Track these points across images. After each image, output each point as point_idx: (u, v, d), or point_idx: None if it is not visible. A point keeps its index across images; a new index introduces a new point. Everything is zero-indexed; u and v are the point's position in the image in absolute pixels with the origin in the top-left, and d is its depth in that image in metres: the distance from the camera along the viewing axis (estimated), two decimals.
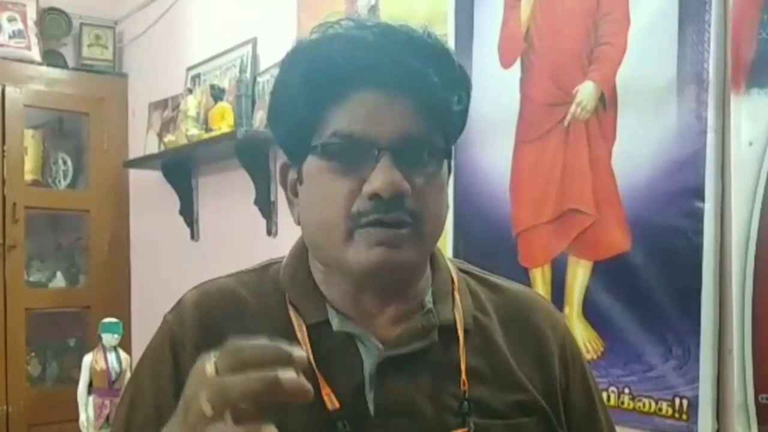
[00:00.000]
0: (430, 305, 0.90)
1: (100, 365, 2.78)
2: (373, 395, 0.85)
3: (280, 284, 0.92)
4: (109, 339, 2.80)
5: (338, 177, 0.83)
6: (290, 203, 0.93)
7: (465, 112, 0.89)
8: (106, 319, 2.87)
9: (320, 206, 0.85)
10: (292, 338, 0.87)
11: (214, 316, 0.90)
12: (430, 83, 0.83)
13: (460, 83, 0.87)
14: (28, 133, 3.62)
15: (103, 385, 2.78)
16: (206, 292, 0.93)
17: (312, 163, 0.86)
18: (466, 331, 0.90)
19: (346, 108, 0.83)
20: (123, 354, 2.84)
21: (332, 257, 0.86)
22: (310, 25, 0.88)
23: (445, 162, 0.88)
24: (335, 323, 0.88)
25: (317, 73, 0.83)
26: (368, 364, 0.86)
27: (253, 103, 2.82)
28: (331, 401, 0.84)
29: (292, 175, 0.91)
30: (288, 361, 0.64)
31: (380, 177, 0.81)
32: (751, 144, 1.46)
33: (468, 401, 0.86)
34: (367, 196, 0.82)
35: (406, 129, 0.83)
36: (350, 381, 0.85)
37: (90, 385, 2.82)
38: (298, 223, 0.91)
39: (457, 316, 0.90)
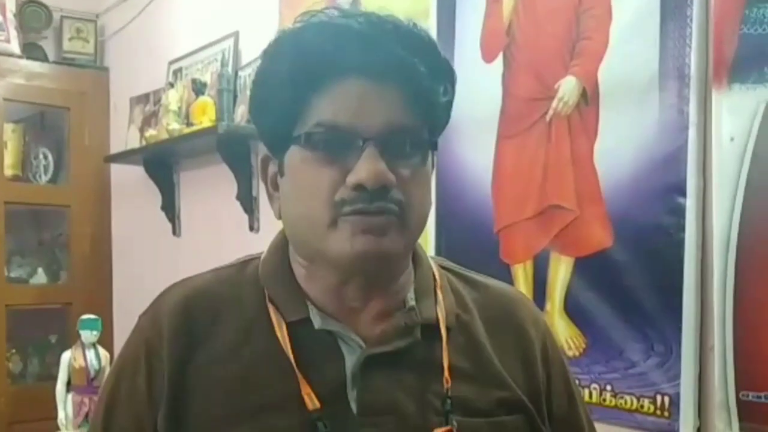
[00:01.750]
0: (412, 302, 0.89)
1: (79, 362, 2.75)
2: (356, 394, 0.84)
3: (259, 281, 0.90)
4: (88, 336, 2.77)
5: (322, 167, 0.82)
6: (270, 197, 0.91)
7: (450, 104, 0.88)
8: (85, 316, 2.84)
9: (303, 197, 0.84)
10: (272, 336, 0.86)
11: (191, 317, 0.89)
12: (416, 73, 0.81)
13: (446, 74, 0.86)
14: (8, 127, 3.58)
15: (82, 382, 2.75)
16: (183, 293, 0.91)
17: (294, 154, 0.84)
18: (448, 329, 0.89)
19: (330, 97, 0.82)
20: (102, 351, 2.81)
21: (315, 248, 0.85)
22: (292, 19, 0.86)
23: (430, 154, 0.87)
24: (317, 321, 0.86)
25: (301, 61, 0.82)
26: (350, 363, 0.85)
27: (235, 97, 2.79)
28: (312, 401, 0.83)
29: (272, 168, 0.90)
30: None
31: (365, 167, 0.79)
32: (732, 139, 1.45)
33: (450, 399, 0.86)
34: (351, 186, 0.80)
35: (392, 119, 0.81)
36: (332, 380, 0.84)
37: (69, 382, 2.79)
38: (279, 217, 0.90)
39: (439, 314, 0.90)
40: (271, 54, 0.86)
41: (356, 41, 0.80)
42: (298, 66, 0.82)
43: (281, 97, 0.84)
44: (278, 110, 0.85)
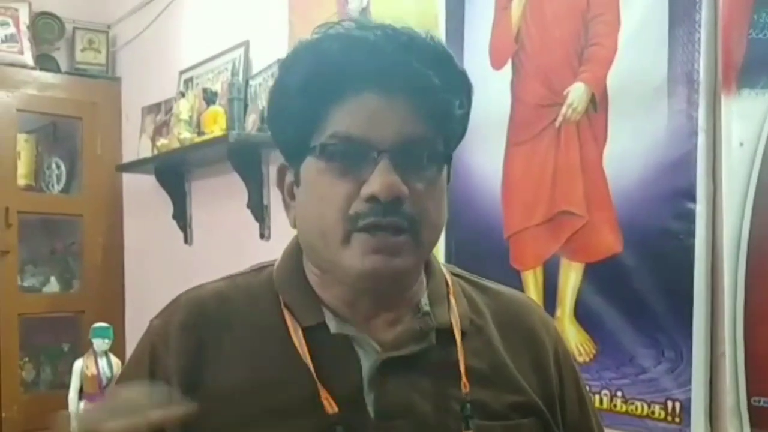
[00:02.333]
0: (426, 308, 0.90)
1: (91, 370, 2.77)
2: (373, 398, 0.85)
3: (273, 287, 0.91)
4: (100, 344, 2.79)
5: (336, 179, 0.83)
6: (286, 206, 0.92)
7: (466, 117, 0.88)
8: (97, 324, 2.86)
9: (317, 208, 0.84)
10: (287, 341, 0.87)
11: (203, 324, 0.89)
12: (431, 86, 0.82)
13: (462, 87, 0.87)
14: (22, 138, 3.61)
15: (94, 390, 2.76)
16: (195, 301, 0.92)
17: (310, 165, 0.85)
18: (463, 333, 0.90)
19: (345, 109, 0.82)
20: (114, 359, 2.83)
21: (328, 260, 0.86)
22: (302, 28, 0.87)
23: (445, 168, 0.87)
24: (333, 326, 0.87)
25: (318, 72, 0.83)
26: (366, 367, 0.86)
27: (246, 106, 2.81)
28: (330, 405, 0.83)
29: (289, 177, 0.91)
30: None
31: (378, 179, 0.80)
32: (742, 144, 1.45)
33: (470, 403, 0.86)
34: (364, 199, 0.81)
35: (406, 132, 0.82)
36: (349, 384, 0.85)
37: (81, 390, 2.80)
38: (294, 226, 0.90)
39: (453, 319, 0.90)
40: (288, 64, 0.87)
41: (371, 54, 0.81)
42: (314, 77, 0.83)
43: (297, 107, 0.85)
44: (294, 120, 0.86)
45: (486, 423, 0.86)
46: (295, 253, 0.93)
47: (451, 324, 0.90)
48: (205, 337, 0.88)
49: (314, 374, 0.84)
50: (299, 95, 0.84)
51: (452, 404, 0.86)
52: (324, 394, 0.83)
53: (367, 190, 0.81)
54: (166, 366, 0.87)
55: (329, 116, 0.83)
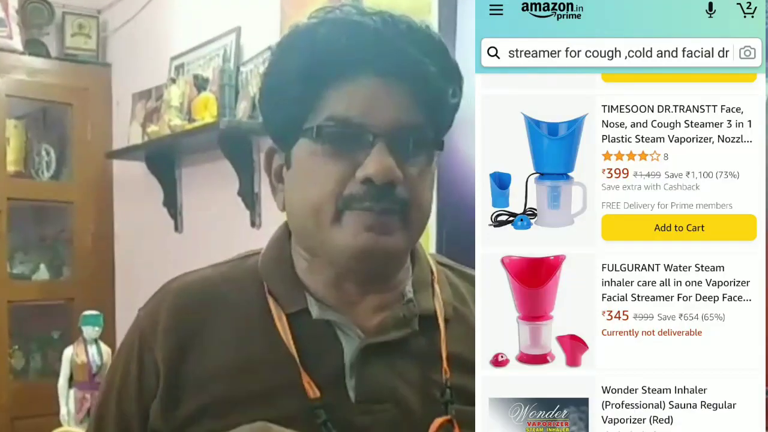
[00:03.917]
0: (410, 295, 0.91)
1: (81, 358, 2.75)
2: (354, 382, 0.86)
3: (258, 274, 0.92)
4: (90, 331, 2.78)
5: (331, 160, 0.84)
6: (274, 189, 0.93)
7: (457, 107, 0.90)
8: (87, 312, 2.84)
9: (310, 188, 0.85)
10: (271, 328, 0.88)
11: (189, 311, 0.91)
12: (427, 74, 0.84)
13: (455, 77, 0.89)
14: (11, 124, 3.58)
15: (84, 378, 2.75)
16: (181, 288, 0.94)
17: (303, 147, 0.86)
18: (447, 321, 0.91)
19: (343, 92, 0.83)
20: (104, 347, 2.81)
21: (318, 241, 0.86)
22: (294, 15, 0.87)
23: (436, 154, 0.89)
24: (315, 311, 0.88)
25: (316, 56, 0.83)
26: (348, 352, 0.87)
27: (237, 93, 2.79)
28: (312, 389, 0.84)
29: (278, 160, 0.92)
30: None
31: (374, 163, 0.82)
32: None
33: (450, 389, 0.87)
34: (360, 181, 0.82)
35: (402, 117, 0.84)
36: (331, 369, 0.86)
37: (71, 378, 2.80)
38: (283, 209, 0.91)
39: (437, 306, 0.92)
40: (285, 47, 0.88)
41: (371, 39, 0.83)
42: (312, 60, 0.84)
43: (293, 89, 0.85)
44: (289, 102, 0.86)
45: (467, 408, 0.86)
46: (283, 239, 0.94)
47: (434, 311, 0.91)
48: (192, 325, 0.89)
49: (297, 359, 0.85)
50: (296, 77, 0.85)
51: (433, 389, 0.88)
52: (306, 379, 0.84)
53: (362, 172, 0.82)
54: (154, 353, 0.89)
55: (326, 99, 0.84)
